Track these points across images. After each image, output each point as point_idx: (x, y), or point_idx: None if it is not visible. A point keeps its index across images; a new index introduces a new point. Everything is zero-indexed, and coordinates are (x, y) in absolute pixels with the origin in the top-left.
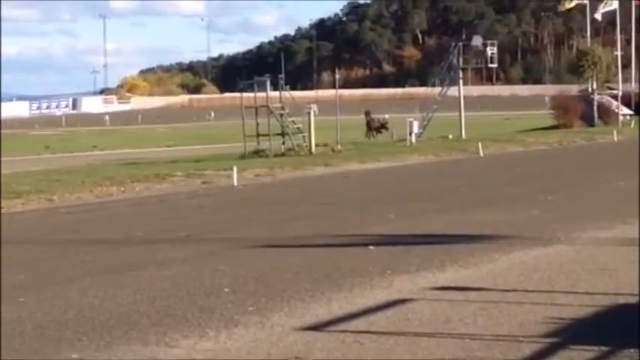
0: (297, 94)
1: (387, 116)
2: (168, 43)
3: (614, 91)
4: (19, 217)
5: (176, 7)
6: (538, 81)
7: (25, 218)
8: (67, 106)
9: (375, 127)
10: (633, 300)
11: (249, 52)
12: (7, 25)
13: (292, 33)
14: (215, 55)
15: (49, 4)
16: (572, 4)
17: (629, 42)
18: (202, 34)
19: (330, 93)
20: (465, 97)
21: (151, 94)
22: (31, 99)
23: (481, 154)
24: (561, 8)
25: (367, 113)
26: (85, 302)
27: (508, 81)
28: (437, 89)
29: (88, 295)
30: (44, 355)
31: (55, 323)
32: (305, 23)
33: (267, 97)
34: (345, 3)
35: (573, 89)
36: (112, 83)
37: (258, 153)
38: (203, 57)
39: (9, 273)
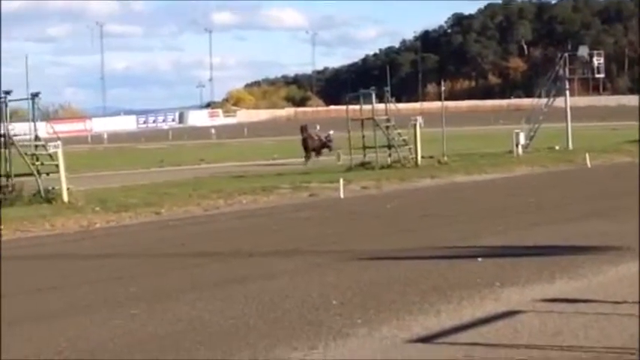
0: (402, 106)
1: (331, 132)
2: (271, 56)
3: None
4: (128, 230)
5: (279, 21)
6: None
7: (133, 231)
8: (173, 119)
9: (314, 147)
10: None
11: (355, 64)
12: (113, 41)
13: (397, 45)
14: (320, 68)
15: (153, 20)
16: None
17: None
18: (305, 46)
19: (435, 105)
20: (571, 107)
21: (256, 107)
22: (138, 113)
23: (588, 164)
24: None
25: (303, 129)
26: (194, 315)
27: (615, 91)
28: (543, 100)
29: (196, 308)
30: None
31: (165, 336)
32: (408, 35)
33: (372, 109)
34: (449, 15)
35: None
36: (218, 97)
37: (364, 165)
38: (308, 70)
39: (120, 286)
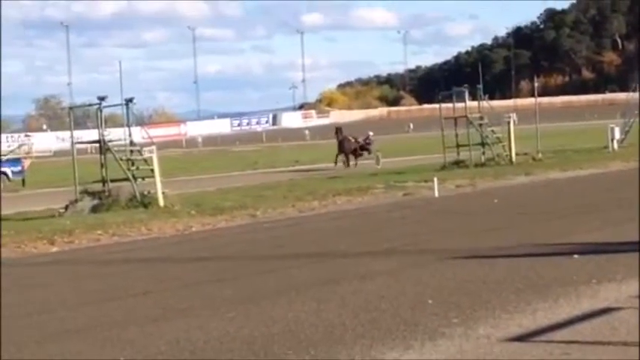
0: (495, 103)
1: (371, 134)
2: (363, 56)
3: None
4: (224, 232)
5: (369, 21)
6: None
7: (229, 234)
8: (267, 121)
9: (351, 150)
10: None
11: (447, 62)
12: (205, 45)
13: (489, 42)
14: (412, 66)
15: (244, 23)
16: None
17: None
18: (396, 46)
19: (528, 101)
20: None
21: (349, 108)
22: (232, 116)
23: None
24: None
25: (338, 132)
26: (290, 316)
27: None
28: (637, 94)
29: (293, 310)
30: None
31: (261, 338)
32: (500, 32)
33: (465, 107)
34: (541, 10)
35: None
36: (311, 98)
37: (458, 164)
38: (400, 69)
39: (217, 289)
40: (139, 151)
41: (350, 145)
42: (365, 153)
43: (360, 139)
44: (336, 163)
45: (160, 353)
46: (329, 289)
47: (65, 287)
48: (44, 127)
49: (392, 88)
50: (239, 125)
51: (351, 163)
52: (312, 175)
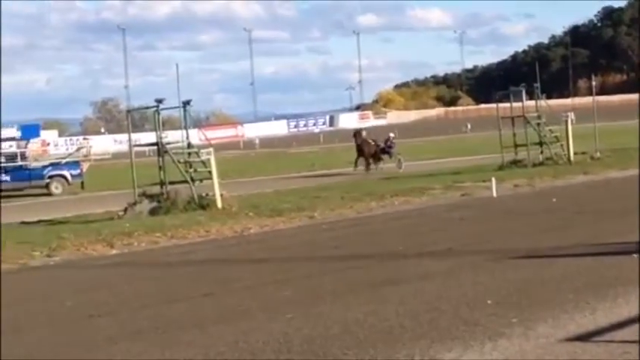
0: (553, 102)
1: (391, 135)
2: (419, 56)
3: None
4: (282, 234)
5: (425, 22)
6: None
7: (288, 235)
8: (324, 123)
9: (371, 153)
10: None
11: (504, 62)
12: (261, 46)
13: (545, 41)
14: (469, 66)
15: (299, 24)
16: None
17: None
18: (452, 46)
19: (586, 100)
20: None
21: (406, 108)
22: (289, 117)
23: None
24: None
25: (357, 135)
26: (349, 317)
27: None
28: None
29: (351, 310)
30: None
31: (320, 338)
32: (556, 31)
33: (523, 106)
34: (599, 9)
35: None
36: (368, 99)
37: (516, 163)
38: (457, 69)
39: (275, 290)
40: (197, 153)
41: (370, 149)
42: (385, 157)
43: (381, 142)
44: (355, 167)
45: (219, 354)
46: (388, 290)
47: (125, 289)
48: (102, 129)
49: (449, 88)
50: (296, 127)
51: (372, 167)
52: (369, 176)
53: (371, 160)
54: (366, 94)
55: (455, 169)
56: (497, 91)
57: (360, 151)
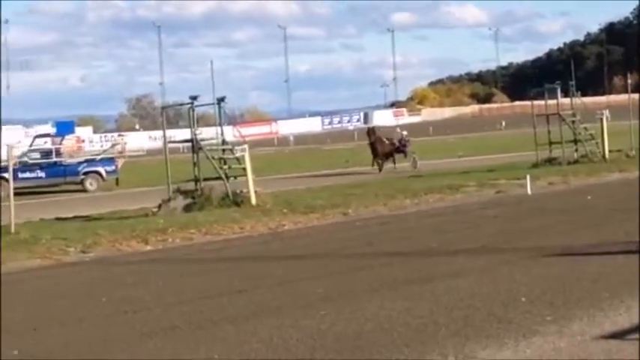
0: (588, 100)
1: (404, 133)
2: (453, 53)
3: None
4: (316, 231)
5: (459, 19)
6: None
7: (321, 232)
8: (358, 120)
9: (384, 152)
10: None
11: (539, 59)
12: (295, 44)
13: (581, 39)
14: (504, 63)
15: (334, 22)
16: None
17: None
18: (487, 43)
19: (622, 98)
20: None
21: (441, 105)
22: (324, 114)
23: None
24: None
25: (371, 133)
26: (382, 314)
27: None
28: None
29: (385, 308)
30: None
31: (353, 335)
32: (592, 28)
33: (558, 104)
34: (634, 6)
35: None
36: (402, 96)
37: (550, 161)
38: (492, 66)
39: (309, 287)
40: (231, 150)
41: (384, 148)
42: (400, 156)
43: (395, 141)
44: (375, 165)
45: (252, 351)
46: (421, 287)
47: (159, 285)
48: (137, 126)
49: (484, 85)
50: (330, 124)
51: (388, 165)
52: (402, 173)
53: (383, 159)
54: (401, 91)
55: (489, 166)
56: (532, 88)
57: (374, 150)
